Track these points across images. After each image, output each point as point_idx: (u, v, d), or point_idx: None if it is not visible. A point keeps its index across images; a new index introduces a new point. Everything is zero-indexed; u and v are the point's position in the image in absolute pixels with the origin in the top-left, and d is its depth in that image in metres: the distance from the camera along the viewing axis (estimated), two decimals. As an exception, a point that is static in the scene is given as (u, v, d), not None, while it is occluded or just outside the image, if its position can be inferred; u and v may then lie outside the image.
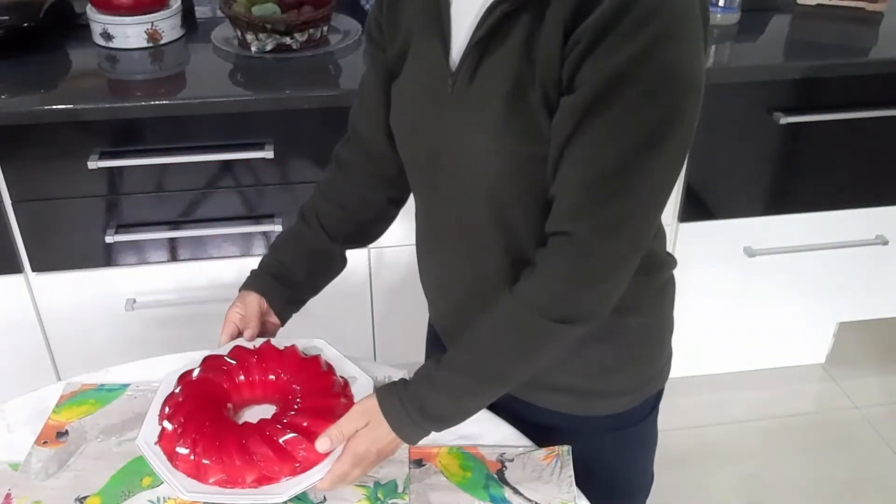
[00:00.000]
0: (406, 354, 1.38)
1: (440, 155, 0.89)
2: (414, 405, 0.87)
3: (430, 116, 0.89)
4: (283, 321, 1.08)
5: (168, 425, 0.92)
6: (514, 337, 0.85)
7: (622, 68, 0.72)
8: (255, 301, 1.05)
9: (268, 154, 1.53)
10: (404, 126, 0.94)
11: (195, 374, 0.99)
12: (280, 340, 1.04)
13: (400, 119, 0.95)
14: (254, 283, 1.07)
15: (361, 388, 1.00)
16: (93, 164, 1.49)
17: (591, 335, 0.86)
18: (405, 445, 0.93)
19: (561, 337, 0.84)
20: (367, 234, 1.11)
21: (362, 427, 0.88)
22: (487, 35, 0.80)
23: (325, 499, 0.90)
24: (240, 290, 1.08)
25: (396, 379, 0.92)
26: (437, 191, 0.93)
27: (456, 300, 1.00)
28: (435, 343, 1.15)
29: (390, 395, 0.89)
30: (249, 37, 1.63)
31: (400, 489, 0.91)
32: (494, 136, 0.81)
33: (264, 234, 1.65)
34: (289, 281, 1.07)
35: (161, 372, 1.05)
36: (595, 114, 0.75)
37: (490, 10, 0.79)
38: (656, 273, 0.97)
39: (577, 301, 0.82)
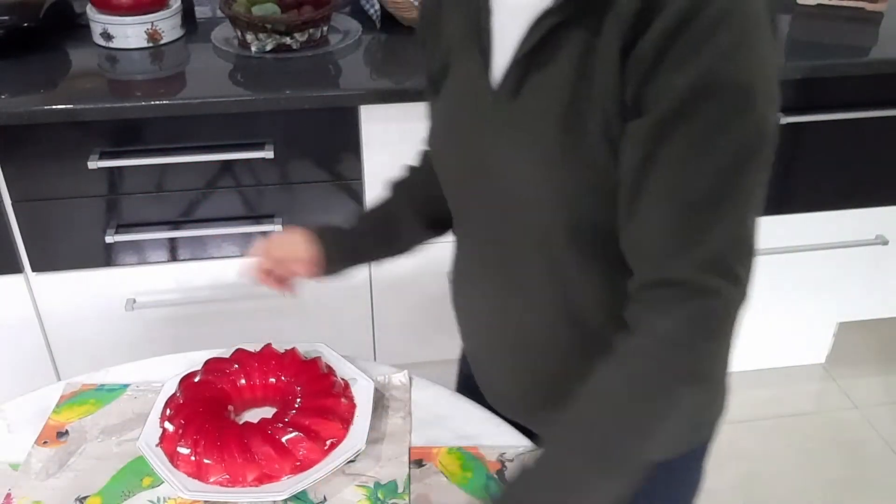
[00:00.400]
0: (406, 354, 1.38)
1: (480, 179, 0.82)
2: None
3: (469, 137, 0.82)
4: (329, 270, 1.00)
5: (169, 426, 0.92)
6: (630, 407, 0.71)
7: (696, 83, 0.65)
8: (305, 243, 0.98)
9: (268, 154, 1.53)
10: (440, 146, 0.89)
11: (196, 376, 0.99)
12: (280, 344, 1.04)
13: (436, 139, 0.89)
14: (323, 234, 1.00)
15: (362, 389, 1.00)
16: (93, 164, 1.49)
17: None
18: (405, 445, 0.93)
19: (683, 399, 0.70)
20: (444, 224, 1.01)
21: None
22: (535, 49, 0.72)
23: (325, 499, 0.90)
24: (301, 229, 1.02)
25: (398, 379, 0.91)
26: (476, 217, 0.87)
27: (494, 336, 0.93)
28: (467, 381, 1.07)
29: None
30: (249, 37, 1.63)
31: (400, 489, 0.91)
32: (543, 162, 0.74)
33: (264, 234, 1.65)
34: (351, 232, 1.01)
35: (161, 372, 1.05)
36: (672, 138, 0.66)
37: (538, 22, 0.71)
38: None
39: (698, 353, 0.70)
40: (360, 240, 1.03)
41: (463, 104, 0.83)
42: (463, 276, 0.97)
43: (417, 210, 1.03)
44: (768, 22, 0.68)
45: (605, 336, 0.79)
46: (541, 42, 0.72)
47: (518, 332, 0.89)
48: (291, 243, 1.00)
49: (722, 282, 0.69)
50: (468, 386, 1.05)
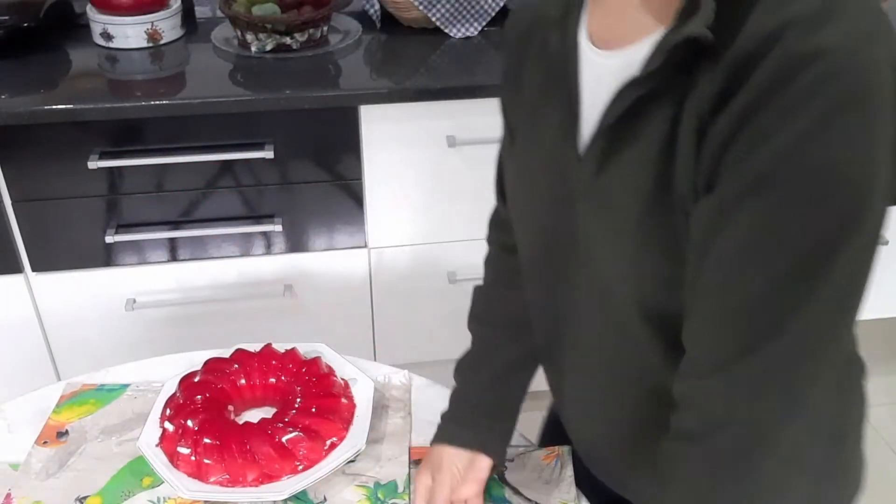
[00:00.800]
0: (406, 354, 1.38)
1: (561, 246, 0.77)
2: None
3: (557, 201, 0.75)
4: (499, 469, 0.90)
5: (169, 426, 0.92)
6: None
7: (763, 167, 0.55)
8: (484, 468, 0.87)
9: (268, 154, 1.53)
10: (522, 207, 0.82)
11: (196, 376, 0.99)
12: (280, 344, 1.04)
13: (517, 199, 0.82)
14: (456, 431, 0.88)
15: (362, 389, 1.00)
16: (93, 164, 1.49)
17: None
18: (405, 445, 0.93)
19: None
20: None
21: None
22: (619, 122, 0.66)
23: (325, 498, 0.90)
24: (441, 441, 0.90)
25: (398, 379, 0.90)
26: (550, 281, 0.82)
27: (589, 407, 0.85)
28: (555, 426, 1.01)
29: None
30: (249, 37, 1.63)
31: (400, 489, 0.91)
32: (629, 244, 0.68)
33: (264, 234, 1.65)
34: (501, 410, 0.89)
35: (161, 372, 1.05)
36: (728, 226, 0.58)
37: (622, 92, 0.65)
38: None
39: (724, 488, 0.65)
40: (503, 408, 0.92)
41: (547, 165, 0.77)
42: (550, 339, 0.88)
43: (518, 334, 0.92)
44: (886, 90, 0.55)
45: None
46: (627, 113, 0.65)
47: (610, 406, 0.82)
48: (456, 482, 0.88)
49: (755, 408, 0.62)
50: (556, 430, 0.99)
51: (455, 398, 0.93)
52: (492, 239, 0.99)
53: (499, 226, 0.97)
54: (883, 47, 0.54)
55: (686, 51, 0.59)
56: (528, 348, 0.92)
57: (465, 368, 0.94)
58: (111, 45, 1.66)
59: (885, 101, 0.54)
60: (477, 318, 0.96)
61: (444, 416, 0.92)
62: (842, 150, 0.54)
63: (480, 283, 0.98)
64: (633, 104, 0.64)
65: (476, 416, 0.91)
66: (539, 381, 0.94)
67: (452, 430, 0.90)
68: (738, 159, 0.56)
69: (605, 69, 0.69)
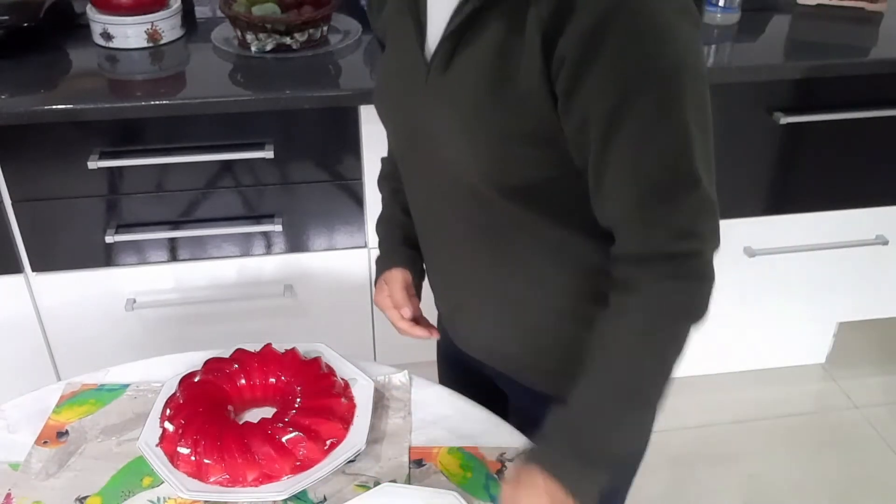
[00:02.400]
0: (406, 354, 1.38)
1: (418, 144, 0.90)
2: (577, 451, 0.82)
3: (406, 104, 0.90)
4: (419, 292, 1.07)
5: (169, 426, 0.92)
6: (647, 349, 0.82)
7: (626, 86, 0.73)
8: (398, 278, 1.04)
9: (268, 154, 1.53)
10: (383, 111, 0.96)
11: (196, 376, 0.99)
12: (281, 344, 1.04)
13: (380, 102, 0.96)
14: (391, 257, 1.06)
15: (362, 389, 1.00)
16: (93, 164, 1.49)
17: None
18: (405, 445, 0.93)
19: (686, 334, 0.83)
20: None
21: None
22: (461, 29, 0.80)
23: (325, 498, 0.90)
24: (378, 275, 1.08)
25: (398, 379, 0.91)
26: (421, 181, 0.95)
27: (474, 295, 0.99)
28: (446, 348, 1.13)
29: (546, 455, 0.83)
30: (249, 37, 1.64)
31: (400, 489, 0.91)
32: (466, 129, 0.82)
33: (264, 234, 1.65)
34: (410, 238, 1.06)
35: (161, 372, 1.05)
36: (619, 131, 0.75)
37: (459, 8, 0.79)
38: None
39: (692, 294, 0.81)
40: (407, 230, 1.07)
41: (400, 70, 0.91)
42: (426, 234, 1.01)
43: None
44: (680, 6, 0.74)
45: (584, 287, 0.90)
46: (466, 22, 0.80)
47: (495, 291, 0.95)
48: (396, 287, 1.04)
49: (696, 242, 0.79)
50: (446, 354, 1.14)
51: (382, 239, 1.11)
52: None
53: None
54: None
55: None
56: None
57: (381, 218, 1.12)
58: (111, 45, 1.66)
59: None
60: (383, 178, 1.14)
61: (379, 256, 1.10)
62: (672, 51, 0.73)
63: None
64: (470, 15, 0.79)
65: (396, 245, 1.07)
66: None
67: (386, 260, 1.08)
68: (597, 84, 0.73)
69: None
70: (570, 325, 0.93)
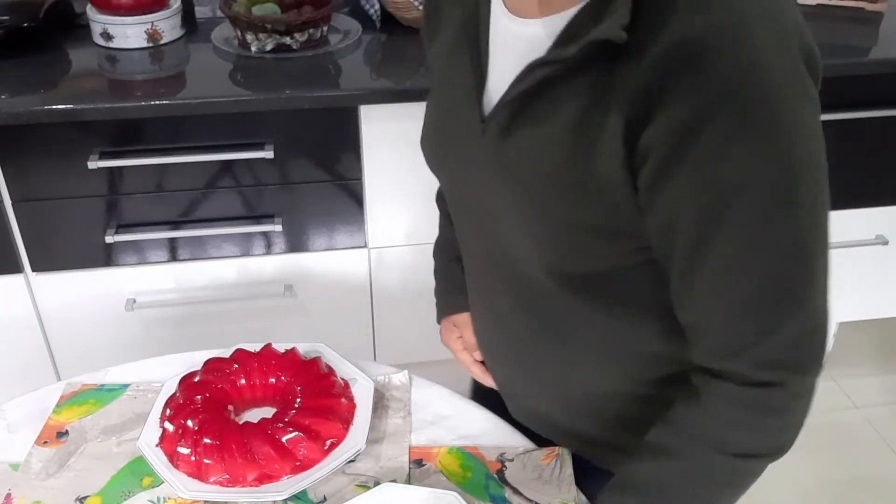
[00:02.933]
0: (406, 354, 1.38)
1: (470, 204, 0.80)
2: None
3: (459, 152, 0.79)
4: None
5: (169, 426, 0.92)
6: (697, 482, 0.75)
7: (724, 183, 0.61)
8: (470, 322, 1.02)
9: (268, 154, 1.53)
10: (432, 150, 0.86)
11: (196, 376, 0.99)
12: (281, 344, 1.04)
13: (428, 139, 0.86)
14: (461, 298, 1.03)
15: (362, 389, 1.00)
16: (93, 164, 1.49)
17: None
18: (405, 445, 0.93)
19: (750, 471, 0.74)
20: None
21: None
22: (523, 98, 0.69)
23: (325, 498, 0.90)
24: (443, 313, 1.08)
25: (398, 379, 0.91)
26: (468, 231, 0.88)
27: (527, 371, 0.92)
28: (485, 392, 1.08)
29: None
30: (249, 37, 1.63)
31: (400, 489, 0.91)
32: (529, 217, 0.72)
33: (264, 234, 1.65)
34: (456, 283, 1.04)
35: (161, 372, 1.05)
36: (714, 238, 0.64)
37: (529, 70, 0.67)
38: None
39: (762, 431, 0.72)
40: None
41: (451, 118, 0.80)
42: (475, 297, 0.96)
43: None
44: (802, 73, 0.63)
45: (651, 370, 0.83)
46: (533, 90, 0.68)
47: (549, 378, 0.90)
48: (468, 334, 1.03)
49: (782, 374, 0.69)
50: (483, 394, 1.06)
51: (442, 275, 1.09)
52: None
53: None
54: (787, 48, 0.62)
55: (602, 46, 0.62)
56: None
57: (440, 245, 1.08)
58: (111, 45, 1.66)
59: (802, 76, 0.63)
60: (440, 198, 1.07)
61: (443, 292, 1.08)
62: (786, 154, 0.64)
63: None
64: (539, 83, 0.66)
65: (465, 285, 1.01)
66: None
67: (454, 299, 1.05)
68: (690, 181, 0.62)
69: (515, 37, 0.69)
70: (634, 406, 0.87)
